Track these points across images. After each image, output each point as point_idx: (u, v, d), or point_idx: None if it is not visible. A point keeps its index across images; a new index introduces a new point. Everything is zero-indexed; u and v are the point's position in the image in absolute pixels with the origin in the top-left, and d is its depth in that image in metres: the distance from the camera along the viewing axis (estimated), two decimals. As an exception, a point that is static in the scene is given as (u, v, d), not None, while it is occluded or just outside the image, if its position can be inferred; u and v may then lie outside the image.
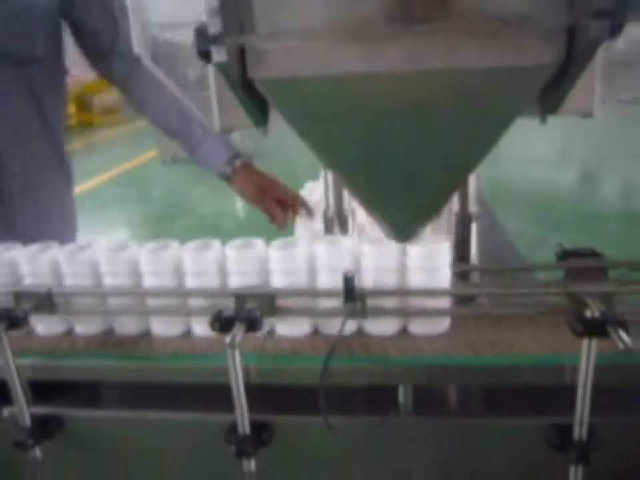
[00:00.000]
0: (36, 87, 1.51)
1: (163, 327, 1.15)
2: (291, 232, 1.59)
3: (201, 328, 1.11)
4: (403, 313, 1.09)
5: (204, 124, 1.64)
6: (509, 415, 1.03)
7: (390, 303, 1.07)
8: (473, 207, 1.22)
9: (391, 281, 1.06)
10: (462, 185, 1.17)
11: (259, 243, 1.12)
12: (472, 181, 1.19)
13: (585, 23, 0.70)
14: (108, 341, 1.14)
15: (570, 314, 0.92)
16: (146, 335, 1.16)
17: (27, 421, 1.07)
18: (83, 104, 11.67)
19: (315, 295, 1.08)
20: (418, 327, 1.09)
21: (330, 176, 1.26)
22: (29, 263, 1.15)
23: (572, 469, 0.95)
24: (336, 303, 1.04)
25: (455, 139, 0.85)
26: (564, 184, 6.72)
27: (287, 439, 1.04)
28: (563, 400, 0.95)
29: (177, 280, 1.12)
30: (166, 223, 6.02)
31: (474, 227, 1.22)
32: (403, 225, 0.98)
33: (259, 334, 1.08)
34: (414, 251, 1.05)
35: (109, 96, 11.95)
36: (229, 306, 1.03)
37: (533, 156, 7.52)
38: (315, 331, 1.12)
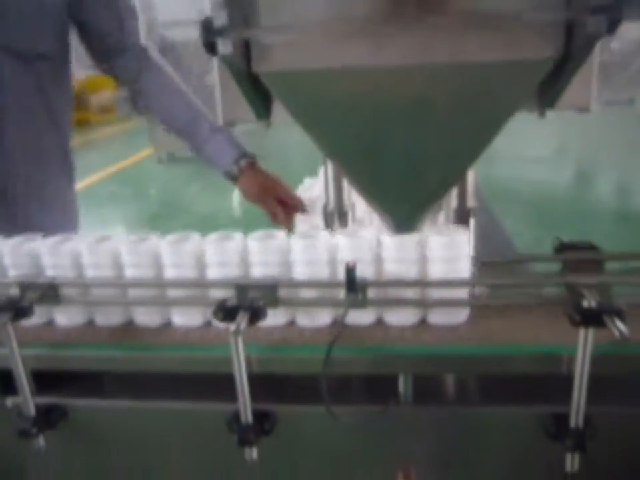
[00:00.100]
0: (44, 83, 1.53)
1: (182, 319, 1.15)
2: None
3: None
4: (414, 303, 1.11)
5: (211, 121, 1.65)
6: (507, 404, 1.05)
7: (395, 293, 1.08)
8: (471, 202, 1.24)
9: (410, 272, 1.07)
10: (461, 179, 1.19)
11: (280, 234, 1.13)
12: (470, 176, 1.21)
13: (583, 19, 0.72)
14: (122, 333, 1.15)
15: (568, 304, 0.94)
16: (167, 325, 1.16)
17: (32, 411, 1.08)
18: (80, 102, 11.63)
19: (316, 286, 1.09)
20: (437, 317, 1.10)
21: (330, 171, 1.28)
22: (50, 254, 1.15)
23: (568, 457, 0.97)
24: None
25: (454, 132, 0.87)
26: (560, 183, 6.75)
27: (289, 428, 1.06)
28: (560, 389, 0.96)
29: (198, 271, 1.12)
30: (162, 221, 6.02)
31: (472, 222, 1.24)
32: (402, 216, 1.00)
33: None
34: (434, 241, 1.06)
35: (106, 94, 11.95)
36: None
37: (529, 155, 7.56)
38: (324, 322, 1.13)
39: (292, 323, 1.13)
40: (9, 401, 1.12)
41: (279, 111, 0.96)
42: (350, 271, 1.00)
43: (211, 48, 0.78)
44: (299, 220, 1.59)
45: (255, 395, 1.00)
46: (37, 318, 1.13)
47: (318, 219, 1.41)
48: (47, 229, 1.24)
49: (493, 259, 1.26)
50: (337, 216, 1.34)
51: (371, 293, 1.05)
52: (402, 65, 0.78)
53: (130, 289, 1.15)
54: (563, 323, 0.93)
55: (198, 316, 1.14)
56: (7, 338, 1.03)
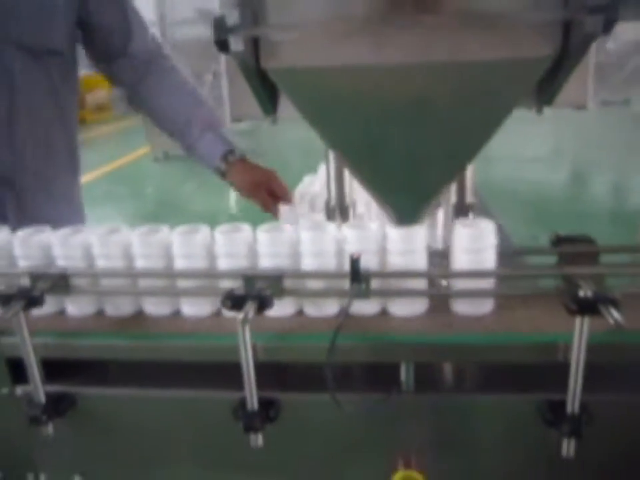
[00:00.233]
0: (53, 79, 1.55)
1: (191, 309, 1.18)
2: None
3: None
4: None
5: (202, 121, 1.69)
6: (506, 391, 1.08)
7: (398, 284, 1.11)
8: (469, 198, 1.27)
9: (415, 264, 1.10)
10: (460, 175, 1.22)
11: (287, 226, 1.16)
12: (469, 173, 1.24)
13: (580, 18, 0.75)
14: (132, 322, 1.18)
15: (565, 295, 0.97)
16: (176, 315, 1.19)
17: (42, 398, 1.10)
18: (76, 101, 11.61)
19: (321, 276, 1.12)
20: (462, 306, 1.13)
21: (332, 167, 1.30)
22: (61, 245, 1.17)
23: (565, 442, 1.00)
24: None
25: (454, 128, 0.90)
26: (556, 183, 6.79)
27: (293, 415, 1.09)
28: (557, 377, 1.00)
29: (207, 262, 1.15)
30: (158, 219, 6.01)
31: (470, 218, 1.26)
32: (404, 208, 1.03)
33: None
34: (461, 232, 1.09)
35: (101, 93, 11.94)
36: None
37: (526, 156, 7.59)
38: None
39: (300, 313, 1.16)
40: (19, 389, 1.15)
41: (285, 107, 0.99)
42: (354, 262, 1.03)
43: (222, 45, 0.81)
44: (301, 216, 1.61)
45: (260, 383, 1.03)
46: (48, 308, 1.15)
47: (320, 215, 1.44)
48: (55, 222, 1.26)
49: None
50: (338, 211, 1.36)
51: (376, 284, 1.08)
52: (403, 63, 0.81)
53: (140, 279, 1.18)
54: (559, 313, 0.96)
55: (207, 306, 1.17)
56: (19, 327, 1.05)
